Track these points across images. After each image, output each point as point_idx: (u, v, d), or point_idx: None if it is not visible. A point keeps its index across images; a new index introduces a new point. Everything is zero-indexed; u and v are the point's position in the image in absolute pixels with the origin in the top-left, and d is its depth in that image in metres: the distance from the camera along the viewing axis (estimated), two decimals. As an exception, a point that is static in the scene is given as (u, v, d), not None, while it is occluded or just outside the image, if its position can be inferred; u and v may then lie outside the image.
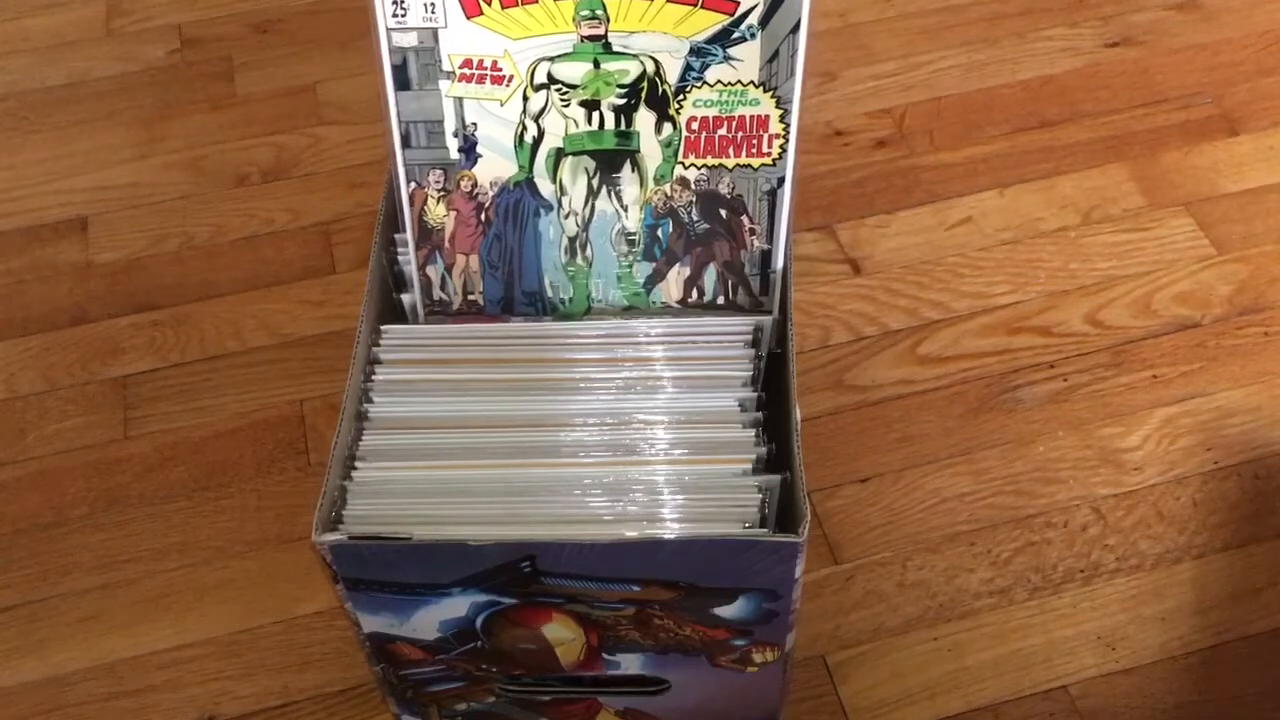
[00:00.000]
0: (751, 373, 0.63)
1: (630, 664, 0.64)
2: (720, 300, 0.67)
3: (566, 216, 0.64)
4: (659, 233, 0.64)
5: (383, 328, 0.65)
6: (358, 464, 0.60)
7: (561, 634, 0.61)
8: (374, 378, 0.63)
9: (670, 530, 0.57)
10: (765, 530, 0.58)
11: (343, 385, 0.61)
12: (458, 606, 0.59)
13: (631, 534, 0.57)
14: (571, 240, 0.65)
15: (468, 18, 0.57)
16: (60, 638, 0.83)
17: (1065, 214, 1.04)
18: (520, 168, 0.62)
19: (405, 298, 0.68)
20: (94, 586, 0.85)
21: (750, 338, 0.64)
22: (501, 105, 0.61)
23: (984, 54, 1.17)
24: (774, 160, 0.62)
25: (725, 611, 0.60)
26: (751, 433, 0.61)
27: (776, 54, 0.58)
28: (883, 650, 0.80)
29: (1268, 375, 0.93)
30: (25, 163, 1.13)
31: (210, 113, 1.16)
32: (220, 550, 0.86)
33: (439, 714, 0.70)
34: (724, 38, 0.58)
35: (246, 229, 1.06)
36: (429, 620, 0.60)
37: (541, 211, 0.64)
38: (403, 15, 0.57)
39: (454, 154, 0.62)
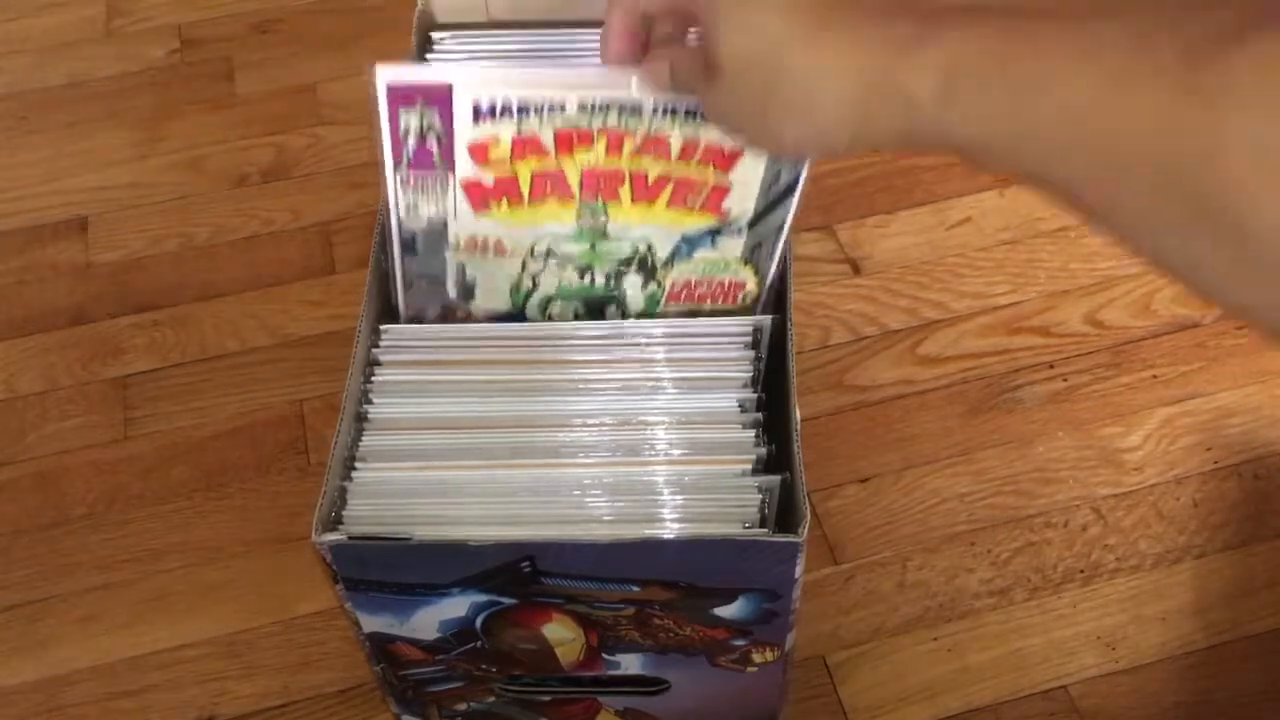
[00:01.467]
0: (751, 373, 0.63)
1: (630, 664, 0.64)
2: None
3: None
4: None
5: (382, 328, 0.65)
6: (357, 464, 0.60)
7: (561, 634, 0.62)
8: (373, 379, 0.63)
9: (670, 531, 0.57)
10: (765, 530, 0.58)
11: (342, 385, 0.61)
12: (458, 606, 0.59)
13: (631, 534, 0.57)
14: None
15: (475, 212, 0.61)
16: (60, 638, 0.83)
17: (1065, 214, 1.04)
18: (514, 305, 0.65)
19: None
20: (94, 586, 0.85)
21: (750, 339, 0.64)
22: (502, 264, 0.64)
23: (984, 54, 1.17)
24: (745, 308, 0.65)
25: (725, 611, 0.60)
26: (751, 433, 0.61)
27: (760, 244, 0.62)
28: (883, 650, 0.80)
29: (1268, 375, 0.93)
30: (25, 163, 1.13)
31: (210, 113, 1.16)
32: (220, 550, 0.86)
33: (439, 714, 0.70)
34: (714, 233, 0.62)
35: (246, 229, 1.06)
36: (429, 620, 0.60)
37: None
38: (415, 210, 0.61)
39: (453, 296, 0.65)
